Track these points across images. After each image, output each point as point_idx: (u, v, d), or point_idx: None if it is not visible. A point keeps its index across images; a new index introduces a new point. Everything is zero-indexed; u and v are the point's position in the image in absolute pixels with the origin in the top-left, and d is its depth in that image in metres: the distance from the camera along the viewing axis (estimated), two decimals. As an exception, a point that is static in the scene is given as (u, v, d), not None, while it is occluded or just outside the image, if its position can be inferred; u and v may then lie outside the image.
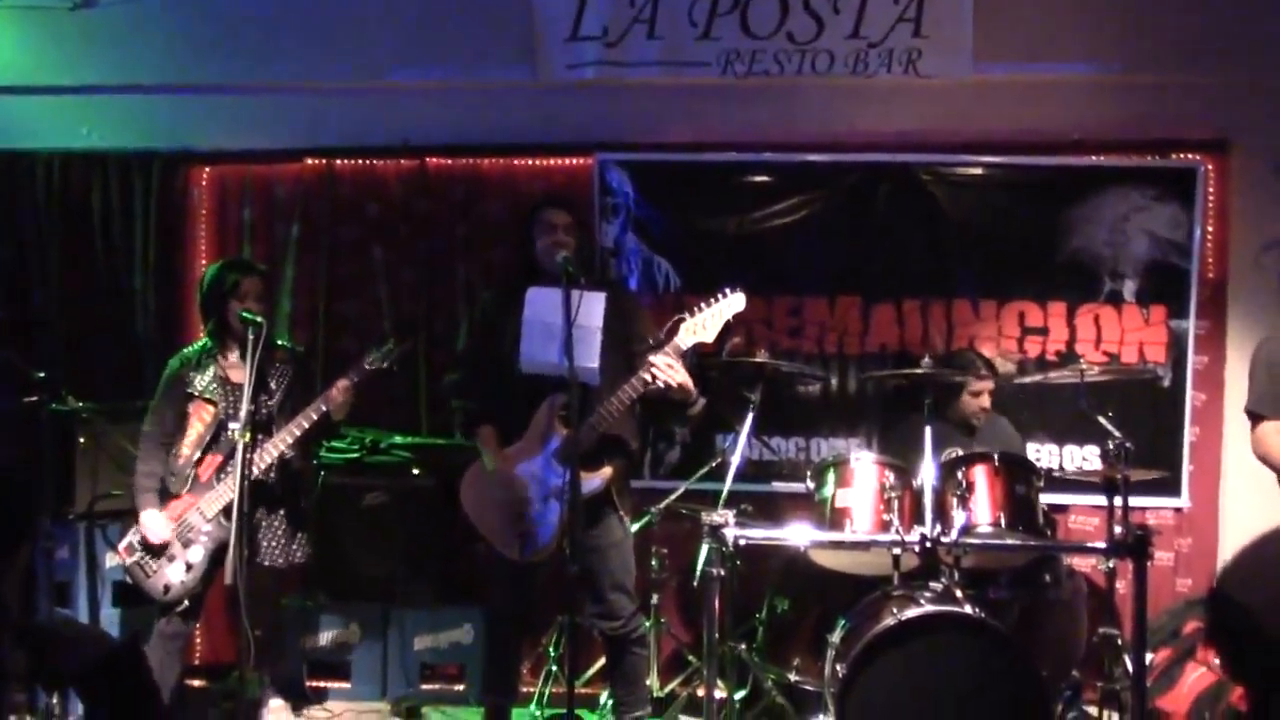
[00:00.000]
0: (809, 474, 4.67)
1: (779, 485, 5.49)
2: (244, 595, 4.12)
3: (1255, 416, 4.26)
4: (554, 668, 5.06)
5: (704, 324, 4.16)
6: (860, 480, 4.43)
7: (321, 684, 5.32)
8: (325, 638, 5.33)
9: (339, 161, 5.81)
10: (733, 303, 4.21)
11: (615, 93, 5.60)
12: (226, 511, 4.45)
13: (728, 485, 4.67)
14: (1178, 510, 5.47)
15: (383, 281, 5.78)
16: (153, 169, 5.79)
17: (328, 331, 5.78)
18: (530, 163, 5.75)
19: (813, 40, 5.40)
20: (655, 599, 5.02)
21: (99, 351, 5.77)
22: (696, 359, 4.37)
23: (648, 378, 4.07)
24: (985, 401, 5.11)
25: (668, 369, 4.07)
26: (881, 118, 5.56)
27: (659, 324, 4.50)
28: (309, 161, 5.82)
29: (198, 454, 4.60)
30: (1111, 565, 4.61)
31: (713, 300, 4.22)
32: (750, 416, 4.80)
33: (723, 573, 4.15)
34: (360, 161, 5.82)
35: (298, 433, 4.55)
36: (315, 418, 4.54)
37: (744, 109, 5.59)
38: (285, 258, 5.80)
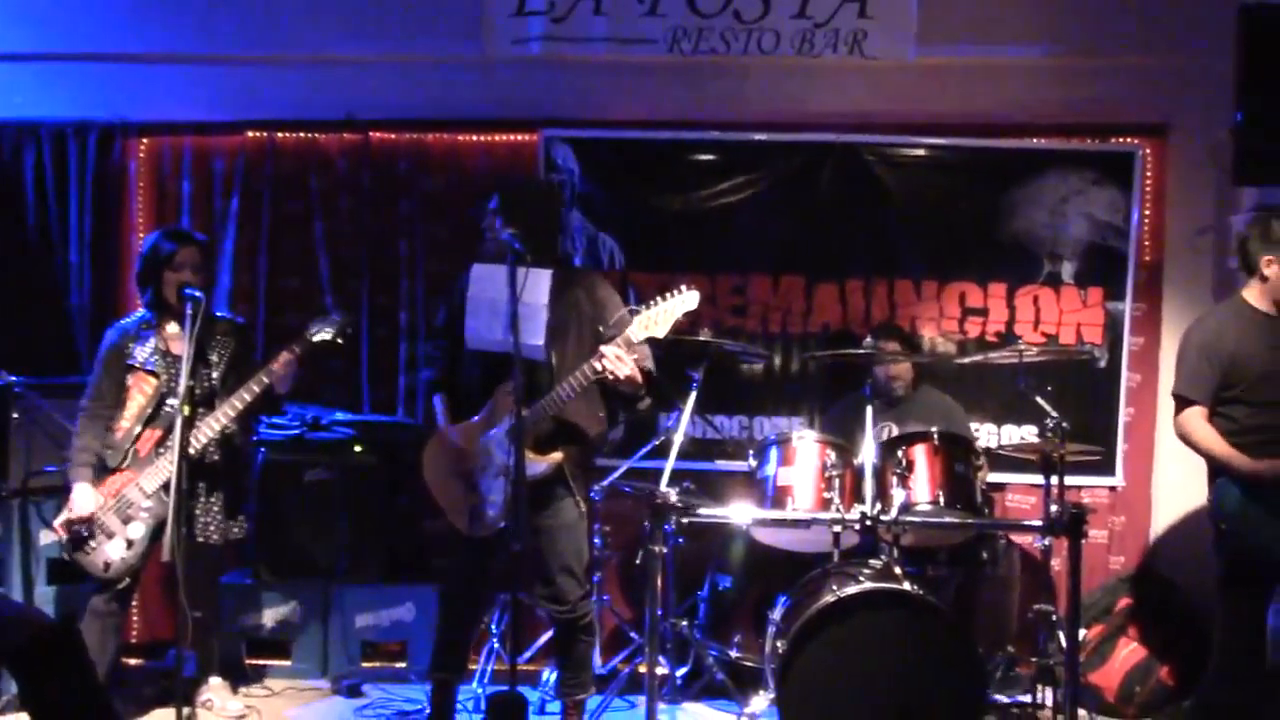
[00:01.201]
0: (751, 452, 4.70)
1: (722, 464, 5.53)
2: (182, 573, 4.07)
3: (1182, 400, 4.31)
4: (496, 645, 5.07)
5: (657, 319, 4.11)
6: (802, 459, 4.47)
7: (261, 662, 5.28)
8: (265, 616, 5.28)
9: (280, 134, 5.74)
10: (686, 300, 4.16)
11: (561, 69, 5.58)
12: (166, 487, 4.38)
13: (670, 463, 4.68)
14: (1112, 489, 5.58)
15: (325, 256, 5.72)
16: (88, 139, 5.68)
17: (269, 306, 5.71)
18: (475, 138, 5.71)
19: (759, 19, 5.42)
20: (597, 576, 5.04)
21: (33, 325, 5.66)
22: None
23: (598, 366, 4.07)
24: (896, 372, 5.16)
25: (617, 361, 4.06)
26: (827, 98, 5.58)
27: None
28: (250, 134, 5.74)
29: (138, 428, 4.53)
30: (1047, 543, 4.70)
31: (667, 295, 4.16)
32: (693, 395, 4.82)
33: (665, 550, 4.17)
34: (302, 134, 5.75)
35: (240, 406, 4.49)
36: (258, 390, 4.49)
37: (690, 87, 5.59)
38: (225, 231, 5.72)
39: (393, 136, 5.71)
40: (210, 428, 4.46)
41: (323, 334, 4.56)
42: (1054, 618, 4.69)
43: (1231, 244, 4.78)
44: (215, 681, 4.85)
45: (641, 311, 4.12)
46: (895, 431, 4.97)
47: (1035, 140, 5.60)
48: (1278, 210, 4.46)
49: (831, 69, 5.51)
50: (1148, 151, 5.56)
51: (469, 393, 4.29)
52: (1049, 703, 4.70)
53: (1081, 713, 4.35)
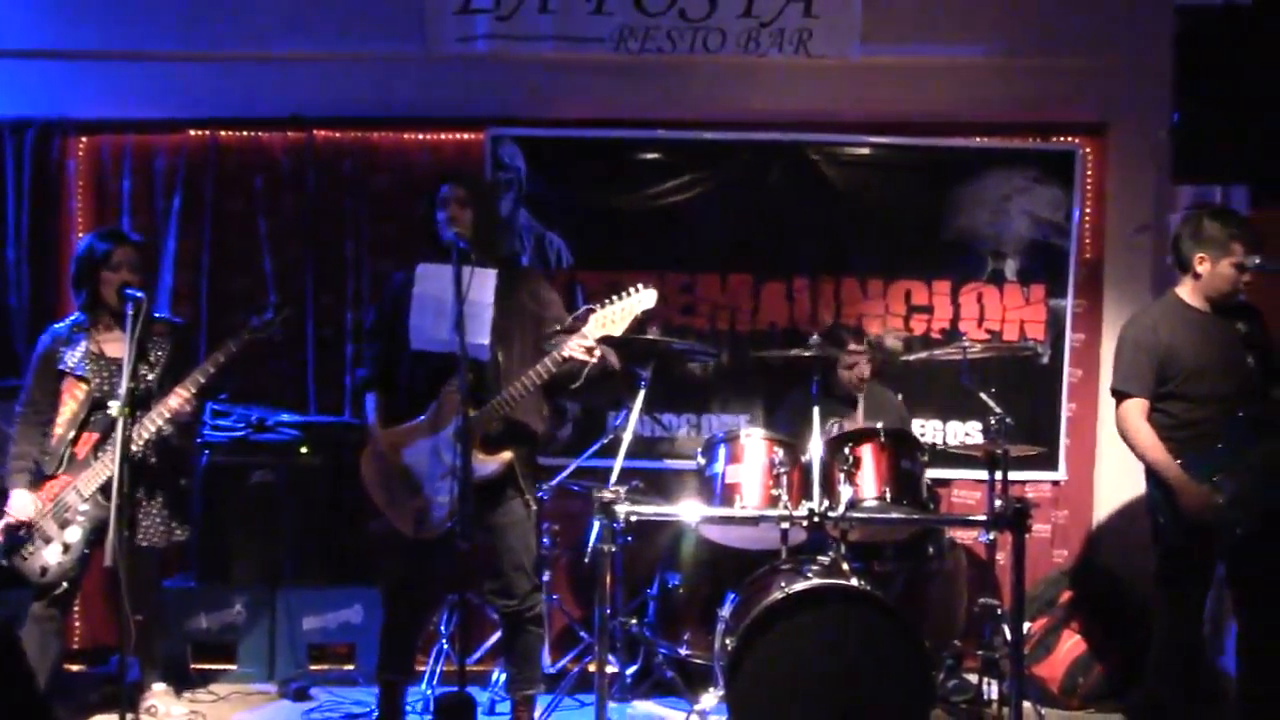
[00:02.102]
0: (700, 450, 4.71)
1: (670, 462, 5.55)
2: (124, 577, 4.02)
3: (1121, 394, 4.36)
4: (445, 645, 5.05)
5: (613, 317, 4.12)
6: (750, 456, 4.48)
7: (207, 666, 5.22)
8: (210, 619, 5.23)
9: (223, 133, 5.67)
10: (644, 299, 4.17)
11: (507, 67, 5.56)
12: (104, 490, 4.34)
13: (619, 462, 4.69)
14: (1055, 483, 5.65)
15: (269, 255, 5.66)
16: (25, 137, 5.57)
17: (212, 306, 5.65)
18: (421, 136, 5.68)
19: (705, 18, 5.43)
20: (546, 575, 5.03)
21: (-32, 327, 5.56)
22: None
23: (560, 357, 4.05)
24: (862, 372, 5.21)
25: (583, 351, 4.07)
26: (773, 97, 5.61)
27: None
28: (192, 132, 5.67)
29: (72, 432, 4.46)
30: (992, 537, 4.75)
31: (624, 294, 4.16)
32: (642, 393, 4.82)
33: (614, 549, 4.18)
34: (246, 133, 5.69)
35: (183, 395, 4.44)
36: (202, 381, 4.45)
37: (637, 86, 5.59)
38: (166, 230, 5.65)
39: (337, 135, 5.67)
40: (146, 429, 4.41)
41: (259, 333, 4.52)
42: (999, 611, 4.75)
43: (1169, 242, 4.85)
44: (159, 687, 4.78)
45: (597, 309, 4.12)
46: (844, 428, 5.01)
47: (978, 139, 5.66)
48: (1210, 209, 4.54)
49: (777, 68, 5.54)
50: (1088, 150, 5.64)
51: (411, 393, 4.26)
52: (994, 695, 4.76)
53: (1026, 704, 4.40)
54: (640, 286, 4.15)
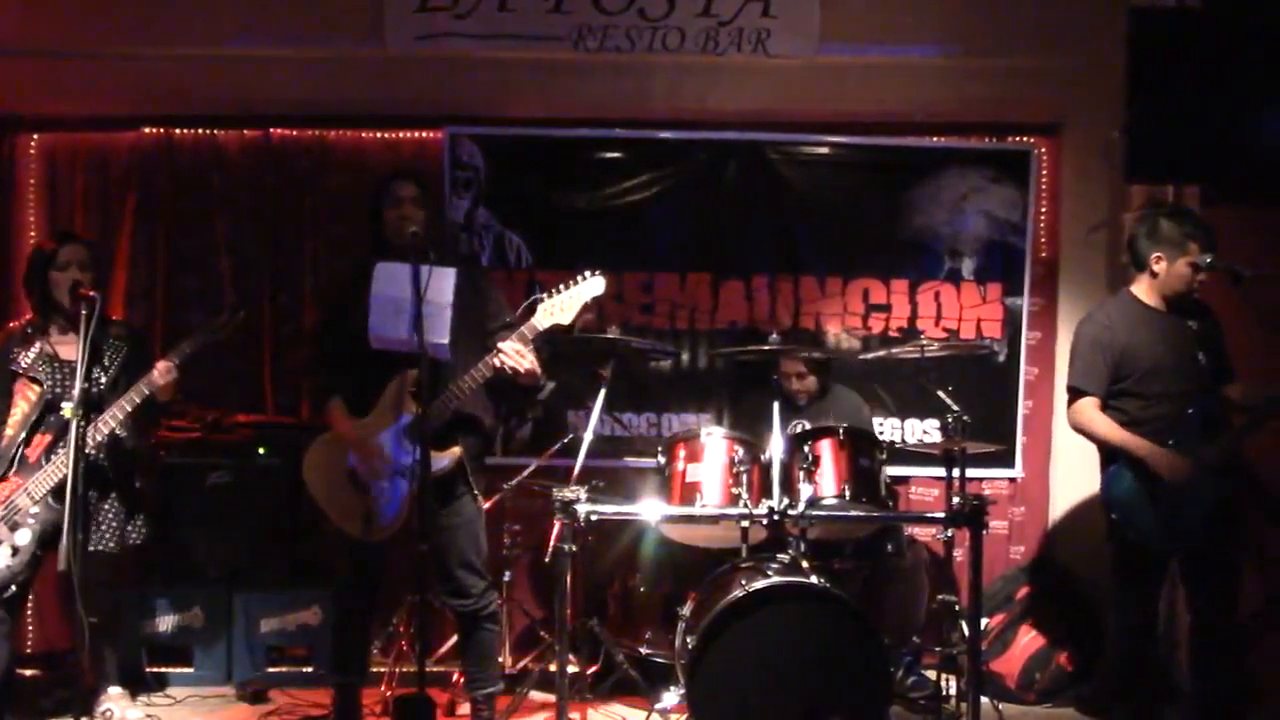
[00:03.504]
0: (660, 449, 4.71)
1: (631, 461, 5.54)
2: (78, 581, 3.97)
3: (1077, 392, 4.39)
4: (405, 646, 5.02)
5: (561, 306, 4.15)
6: (710, 455, 4.49)
7: (163, 670, 5.17)
8: (166, 622, 5.18)
9: (178, 130, 5.62)
10: (591, 286, 4.20)
11: (466, 65, 5.54)
12: (55, 493, 4.29)
13: (579, 461, 4.68)
14: (1012, 480, 5.70)
15: (225, 255, 5.62)
16: (-25, 135, 5.52)
17: (167, 306, 5.60)
18: (379, 135, 5.66)
19: (664, 17, 5.44)
20: (507, 576, 5.02)
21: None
22: (547, 341, 4.36)
23: (496, 363, 4.06)
24: (806, 384, 5.22)
25: (516, 355, 4.06)
26: (731, 96, 5.62)
27: (512, 301, 4.49)
28: (147, 130, 5.62)
29: (23, 434, 4.41)
30: (950, 534, 4.77)
31: (571, 282, 4.20)
32: (602, 393, 4.82)
33: (574, 548, 4.18)
34: (201, 131, 5.65)
35: (120, 416, 4.38)
36: (138, 400, 4.39)
37: (596, 84, 5.59)
38: (121, 229, 5.60)
39: (295, 133, 5.64)
40: (99, 432, 4.36)
41: (211, 336, 4.47)
42: (957, 608, 4.78)
43: (1124, 241, 4.90)
44: (114, 691, 4.72)
45: (545, 299, 4.13)
46: (806, 426, 5.02)
47: (935, 139, 5.71)
48: (1166, 208, 4.60)
49: (736, 67, 5.55)
50: (1043, 150, 5.70)
51: (364, 393, 4.23)
52: (953, 691, 4.79)
53: (984, 700, 4.44)
54: (589, 274, 4.17)
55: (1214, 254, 4.28)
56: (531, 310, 4.16)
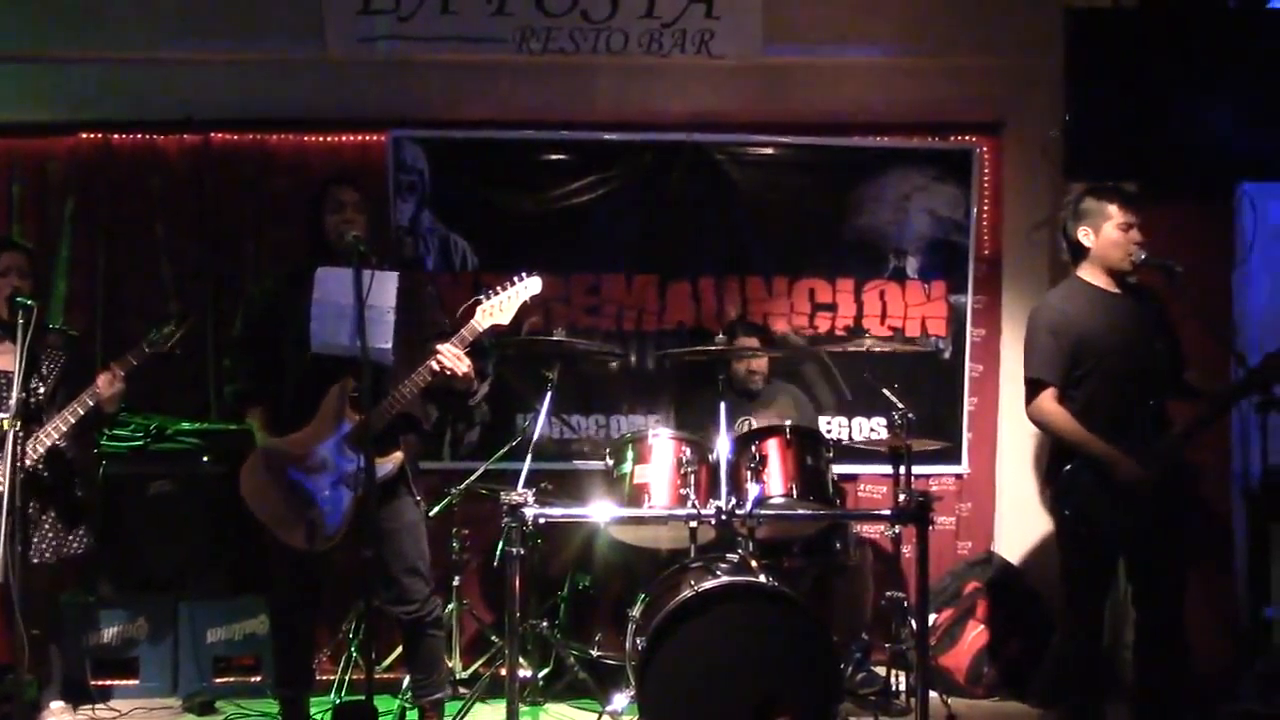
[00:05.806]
0: (608, 451, 4.71)
1: (579, 463, 5.54)
2: (18, 594, 3.90)
3: (1037, 384, 4.27)
4: (354, 654, 4.98)
5: (500, 306, 4.20)
6: (658, 456, 4.50)
7: (107, 682, 5.09)
8: (109, 633, 5.10)
9: (116, 136, 5.54)
10: (529, 286, 4.28)
11: (409, 68, 5.50)
12: (-6, 503, 4.22)
13: (527, 464, 4.67)
14: (958, 477, 5.74)
15: (166, 261, 5.54)
16: (-93, 141, 5.41)
17: (108, 313, 5.50)
18: (321, 139, 5.60)
19: (607, 19, 5.43)
20: (457, 580, 5.00)
21: None
22: (493, 344, 4.37)
23: (435, 366, 4.06)
24: (756, 366, 5.28)
25: (454, 358, 4.07)
26: (676, 97, 5.63)
27: (457, 303, 4.47)
28: (84, 136, 5.53)
29: (-41, 446, 4.33)
30: (897, 531, 4.81)
31: (509, 284, 4.26)
32: (549, 395, 4.81)
33: (523, 551, 4.17)
34: (140, 136, 5.57)
35: (64, 428, 4.33)
36: (82, 413, 4.35)
37: (540, 87, 5.57)
38: (60, 237, 5.50)
39: (235, 137, 5.57)
40: (40, 443, 4.29)
41: (157, 346, 4.42)
42: (905, 604, 4.82)
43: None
44: (57, 705, 4.66)
45: (483, 300, 4.18)
46: (753, 425, 5.05)
47: (878, 139, 5.74)
48: (1084, 187, 4.52)
49: (680, 69, 5.55)
50: (984, 149, 5.75)
51: (300, 401, 4.19)
52: (902, 686, 4.83)
53: (933, 695, 4.47)
54: (525, 274, 4.20)
55: (1135, 214, 4.24)
56: (471, 312, 4.18)
